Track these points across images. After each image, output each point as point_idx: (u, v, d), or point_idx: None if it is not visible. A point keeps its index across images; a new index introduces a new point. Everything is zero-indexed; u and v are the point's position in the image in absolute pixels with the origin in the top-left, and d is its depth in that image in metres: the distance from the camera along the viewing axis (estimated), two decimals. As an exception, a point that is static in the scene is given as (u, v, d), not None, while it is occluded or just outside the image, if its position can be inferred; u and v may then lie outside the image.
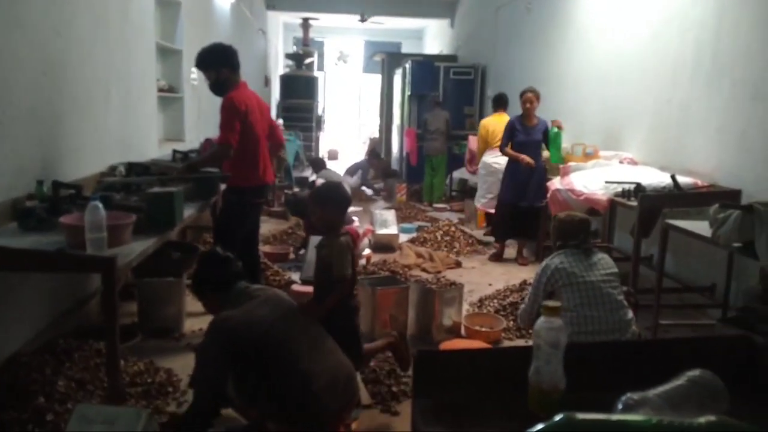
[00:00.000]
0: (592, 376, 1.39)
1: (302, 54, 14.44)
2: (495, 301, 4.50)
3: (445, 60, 11.31)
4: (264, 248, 5.55)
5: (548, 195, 5.04)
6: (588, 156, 5.35)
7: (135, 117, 4.79)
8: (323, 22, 14.98)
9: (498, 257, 5.97)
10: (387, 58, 12.98)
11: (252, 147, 3.88)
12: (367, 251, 5.68)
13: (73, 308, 3.59)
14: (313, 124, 13.66)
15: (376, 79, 15.16)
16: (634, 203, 3.98)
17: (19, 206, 2.93)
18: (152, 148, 5.26)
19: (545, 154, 5.80)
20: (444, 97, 9.80)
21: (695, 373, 1.25)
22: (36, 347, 3.03)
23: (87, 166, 3.82)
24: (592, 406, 1.04)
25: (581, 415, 0.99)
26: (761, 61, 3.84)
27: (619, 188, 4.21)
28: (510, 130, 5.76)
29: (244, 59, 4.35)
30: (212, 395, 2.41)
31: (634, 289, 3.53)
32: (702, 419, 0.98)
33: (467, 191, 8.81)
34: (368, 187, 10.22)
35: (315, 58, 15.41)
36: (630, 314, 3.00)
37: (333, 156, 15.67)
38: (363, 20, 13.68)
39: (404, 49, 17.29)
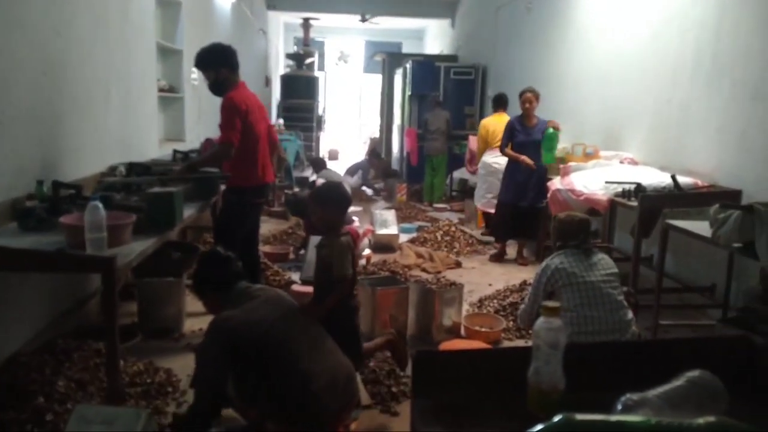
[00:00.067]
0: (591, 376, 1.39)
1: (303, 54, 14.45)
2: (495, 301, 4.50)
3: (445, 60, 11.31)
4: (264, 248, 5.55)
5: (548, 195, 5.04)
6: (588, 156, 5.35)
7: (135, 117, 4.79)
8: (324, 22, 14.98)
9: (499, 257, 5.97)
10: (387, 58, 12.98)
11: (252, 147, 3.88)
12: (367, 251, 5.68)
13: (72, 308, 3.59)
14: (314, 124, 13.67)
15: (377, 79, 15.16)
16: (634, 203, 3.98)
17: (19, 206, 2.93)
18: (152, 148, 5.26)
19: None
20: (444, 97, 9.79)
21: (695, 373, 1.25)
22: (35, 347, 3.03)
23: (87, 166, 3.82)
24: (592, 406, 1.04)
25: (580, 416, 0.99)
26: (761, 61, 3.84)
27: (620, 188, 4.21)
28: (510, 130, 5.76)
29: (245, 59, 4.35)
30: (212, 395, 2.41)
31: (634, 289, 3.53)
32: (701, 420, 0.98)
33: (467, 191, 8.80)
34: (368, 187, 10.22)
35: (315, 58, 15.42)
36: (630, 314, 3.00)
37: (333, 156, 15.68)
38: (363, 20, 13.68)
39: (405, 49, 17.29)
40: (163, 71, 5.88)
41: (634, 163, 5.11)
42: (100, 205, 2.49)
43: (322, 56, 18.30)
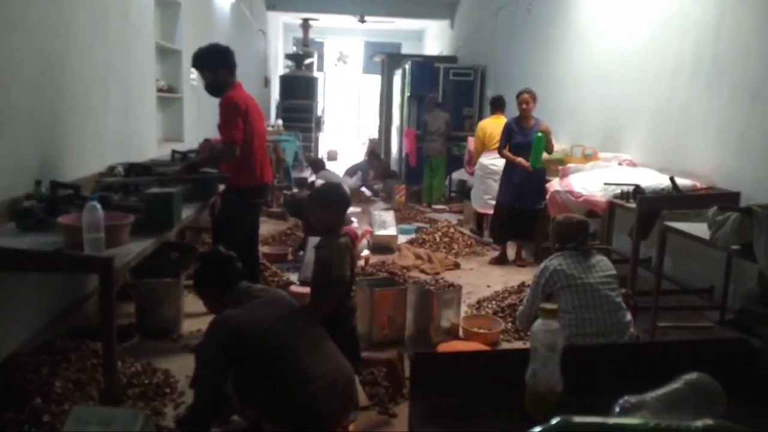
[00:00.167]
0: (589, 378, 1.38)
1: (302, 54, 14.44)
2: (493, 302, 4.50)
3: (444, 61, 11.31)
4: (262, 249, 5.54)
5: (547, 196, 5.04)
6: (587, 158, 5.35)
7: (134, 117, 4.79)
8: (323, 22, 14.98)
9: (500, 261, 5.93)
10: (387, 59, 12.98)
11: (251, 147, 3.88)
12: (365, 252, 5.68)
13: (70, 308, 3.59)
14: (313, 124, 13.66)
15: (376, 80, 15.17)
16: (632, 205, 3.98)
17: (17, 206, 2.92)
18: (151, 148, 5.26)
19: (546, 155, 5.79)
20: (444, 98, 9.80)
21: (693, 376, 1.25)
22: (33, 347, 3.02)
23: (86, 166, 3.82)
24: (589, 408, 1.04)
25: (578, 418, 0.99)
26: (761, 62, 3.84)
27: (618, 190, 4.21)
28: (507, 132, 5.76)
29: (244, 60, 4.35)
30: (212, 395, 2.40)
31: (632, 291, 3.53)
32: (699, 422, 0.97)
33: (466, 192, 8.78)
34: (368, 188, 10.22)
35: (315, 59, 15.41)
36: (628, 316, 3.00)
37: (332, 157, 15.66)
38: (363, 21, 13.69)
39: (404, 50, 17.31)
40: (162, 71, 5.88)
41: (632, 164, 5.11)
42: (98, 206, 2.48)
43: (321, 57, 18.31)
